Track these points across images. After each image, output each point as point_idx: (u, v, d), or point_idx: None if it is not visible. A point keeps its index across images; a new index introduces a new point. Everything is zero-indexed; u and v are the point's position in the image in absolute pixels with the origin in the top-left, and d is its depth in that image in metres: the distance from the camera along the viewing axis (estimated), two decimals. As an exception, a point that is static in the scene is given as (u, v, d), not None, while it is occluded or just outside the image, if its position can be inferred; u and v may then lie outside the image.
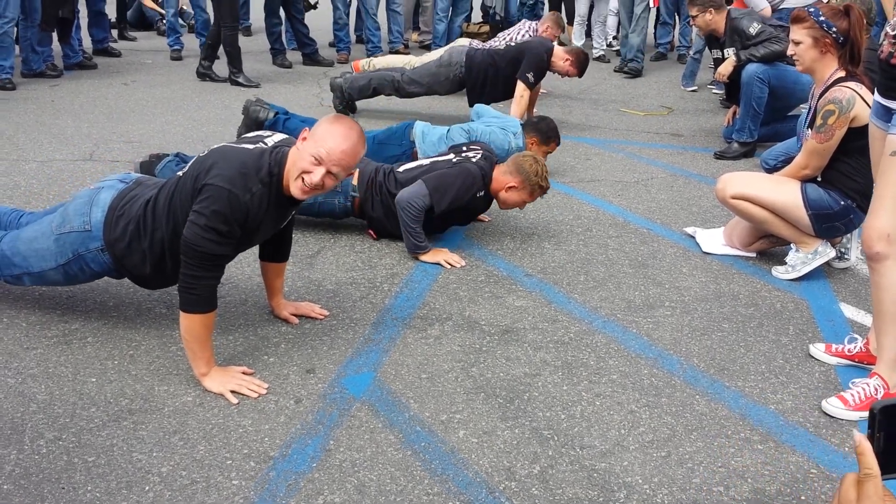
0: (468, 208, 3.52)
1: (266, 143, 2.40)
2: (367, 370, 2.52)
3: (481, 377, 2.52)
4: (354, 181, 3.52)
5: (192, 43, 8.27)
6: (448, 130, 4.21)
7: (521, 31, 6.71)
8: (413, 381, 2.48)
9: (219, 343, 2.61)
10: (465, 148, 3.68)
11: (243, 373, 2.42)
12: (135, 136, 5.03)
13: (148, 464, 2.04)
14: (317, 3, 9.52)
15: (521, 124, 4.46)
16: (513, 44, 5.83)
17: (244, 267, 3.18)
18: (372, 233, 3.60)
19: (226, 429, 2.19)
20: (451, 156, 3.60)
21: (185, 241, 2.24)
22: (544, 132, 4.42)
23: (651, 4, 8.17)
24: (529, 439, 2.22)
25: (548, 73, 5.46)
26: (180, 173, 2.45)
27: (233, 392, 2.33)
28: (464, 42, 6.23)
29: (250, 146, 2.37)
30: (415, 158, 3.90)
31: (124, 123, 5.38)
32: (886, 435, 0.90)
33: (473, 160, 3.49)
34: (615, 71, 8.17)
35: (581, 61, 5.45)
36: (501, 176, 3.49)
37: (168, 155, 3.85)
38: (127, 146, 4.80)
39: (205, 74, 6.92)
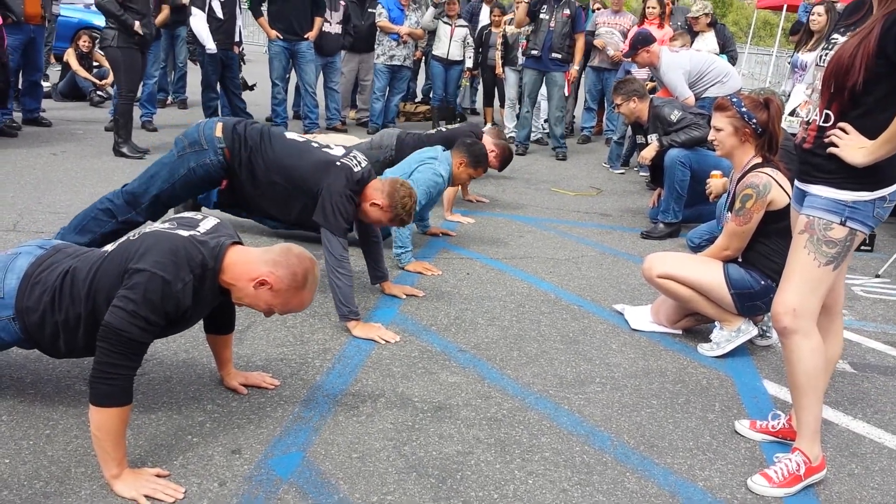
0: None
1: (199, 230, 2.36)
2: (296, 450, 2.46)
3: (413, 456, 2.48)
4: (219, 133, 3.52)
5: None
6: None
7: None
8: (343, 460, 2.42)
9: (141, 422, 2.51)
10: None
11: (157, 475, 2.24)
12: (61, 207, 4.91)
13: (59, 552, 1.92)
14: (254, 85, 9.70)
15: (450, 151, 4.68)
16: (444, 129, 5.99)
17: (170, 342, 3.09)
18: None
19: (145, 513, 2.09)
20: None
21: (107, 326, 2.12)
22: (476, 156, 4.63)
23: (566, 92, 8.20)
24: (461, 520, 2.18)
25: None
26: (108, 248, 2.38)
27: (147, 497, 2.15)
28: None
29: (184, 232, 2.31)
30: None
31: (51, 194, 5.26)
32: None
33: (352, 166, 3.49)
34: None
35: (505, 158, 5.65)
36: (373, 191, 3.52)
37: None
38: (53, 216, 4.67)
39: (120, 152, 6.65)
